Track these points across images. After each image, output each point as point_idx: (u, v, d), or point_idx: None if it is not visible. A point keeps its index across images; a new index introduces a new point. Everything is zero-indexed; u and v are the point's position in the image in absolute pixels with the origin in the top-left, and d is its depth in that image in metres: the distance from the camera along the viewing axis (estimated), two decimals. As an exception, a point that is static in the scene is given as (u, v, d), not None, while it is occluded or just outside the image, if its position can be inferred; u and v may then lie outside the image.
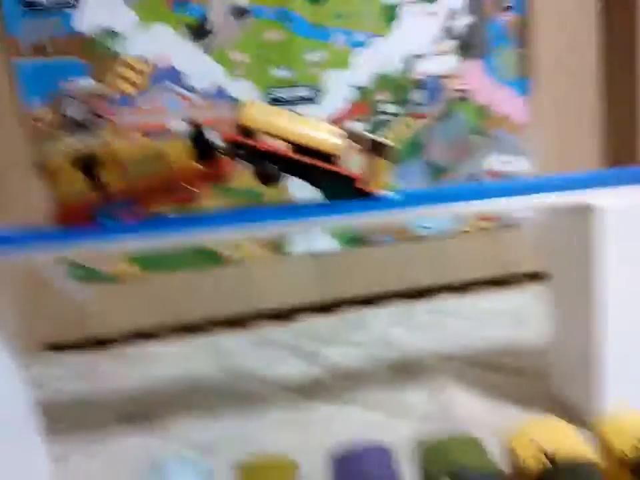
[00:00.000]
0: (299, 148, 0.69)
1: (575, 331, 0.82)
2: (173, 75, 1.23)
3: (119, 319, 1.29)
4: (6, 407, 0.73)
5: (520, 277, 1.42)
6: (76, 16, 1.16)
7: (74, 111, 1.20)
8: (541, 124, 1.37)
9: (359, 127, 0.74)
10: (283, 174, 0.70)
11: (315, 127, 0.70)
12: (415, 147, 1.34)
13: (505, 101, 1.36)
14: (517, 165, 1.39)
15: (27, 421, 0.77)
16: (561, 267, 0.85)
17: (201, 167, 0.69)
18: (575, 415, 0.78)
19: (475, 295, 1.36)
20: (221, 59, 1.23)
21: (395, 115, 1.33)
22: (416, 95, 1.32)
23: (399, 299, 1.37)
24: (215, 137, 0.69)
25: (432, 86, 1.33)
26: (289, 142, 0.68)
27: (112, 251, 0.69)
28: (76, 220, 0.67)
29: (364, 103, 1.31)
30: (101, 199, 0.67)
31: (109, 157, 0.66)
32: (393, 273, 1.39)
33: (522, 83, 1.36)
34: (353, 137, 0.70)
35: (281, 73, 1.26)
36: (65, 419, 0.94)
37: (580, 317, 0.79)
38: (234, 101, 1.25)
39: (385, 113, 1.32)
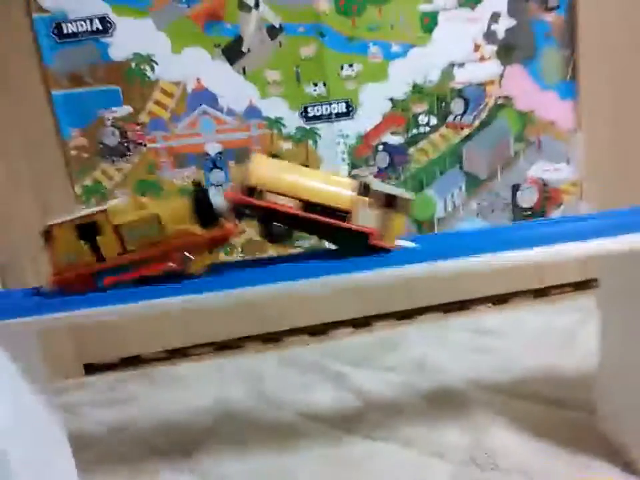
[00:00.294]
0: (310, 205, 0.65)
1: (629, 357, 0.76)
2: (207, 98, 1.21)
3: (151, 338, 1.31)
4: (38, 437, 0.74)
5: (565, 288, 1.38)
6: (110, 44, 1.16)
7: (110, 138, 1.21)
8: (588, 130, 1.30)
9: (374, 180, 0.69)
10: (293, 232, 0.68)
11: (326, 181, 0.67)
12: (454, 158, 1.30)
13: (550, 106, 1.30)
14: (562, 174, 1.34)
15: (59, 451, 0.79)
16: (613, 278, 0.78)
17: (202, 232, 0.65)
18: (628, 459, 0.75)
19: (514, 309, 1.32)
20: (255, 79, 1.21)
21: (433, 126, 1.28)
22: (455, 105, 1.28)
23: (433, 313, 1.35)
24: (219, 199, 0.66)
25: (472, 94, 1.27)
26: (298, 199, 0.65)
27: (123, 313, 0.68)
28: (76, 285, 0.66)
29: (400, 115, 1.27)
30: (100, 265, 0.65)
31: (106, 224, 0.64)
32: (425, 286, 1.36)
33: (567, 86, 1.29)
34: (367, 190, 0.66)
35: (315, 89, 1.23)
36: (96, 448, 0.96)
37: (635, 340, 0.74)
38: (268, 120, 1.24)
39: (422, 125, 1.28)
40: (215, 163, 1.25)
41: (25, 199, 1.19)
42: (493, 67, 1.27)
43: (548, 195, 1.35)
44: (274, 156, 0.68)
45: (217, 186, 1.25)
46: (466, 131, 1.30)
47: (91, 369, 1.30)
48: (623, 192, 1.35)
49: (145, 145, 1.22)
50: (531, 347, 1.14)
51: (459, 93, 1.27)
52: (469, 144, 1.30)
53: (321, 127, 1.26)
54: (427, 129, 1.28)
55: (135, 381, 1.22)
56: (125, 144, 1.21)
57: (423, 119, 1.28)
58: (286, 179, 0.65)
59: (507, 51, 1.26)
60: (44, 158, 1.19)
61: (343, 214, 0.66)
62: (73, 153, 1.20)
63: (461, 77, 1.26)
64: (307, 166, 0.69)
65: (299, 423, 0.98)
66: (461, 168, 1.31)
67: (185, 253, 0.65)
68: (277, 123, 1.24)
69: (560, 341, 1.15)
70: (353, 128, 1.26)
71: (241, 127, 1.24)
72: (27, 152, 1.18)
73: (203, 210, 0.65)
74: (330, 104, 1.24)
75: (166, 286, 0.66)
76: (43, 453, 0.75)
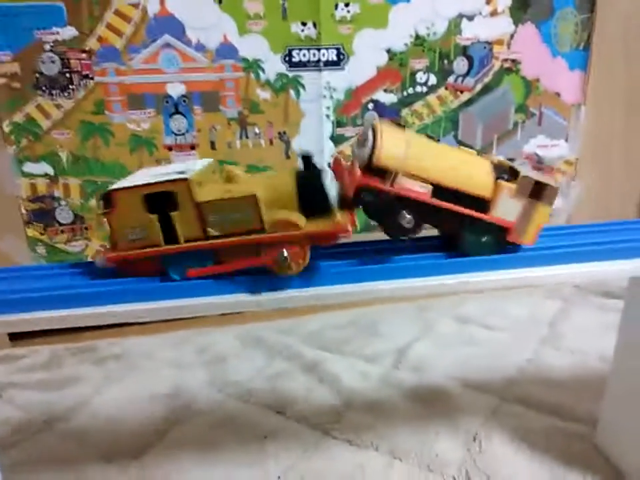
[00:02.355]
0: (441, 190, 0.53)
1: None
2: (172, 26, 1.00)
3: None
4: None
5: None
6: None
7: (49, 66, 0.98)
8: (593, 106, 1.20)
9: (520, 164, 0.56)
10: (422, 225, 0.54)
11: (463, 160, 0.54)
12: (449, 124, 1.17)
13: (558, 76, 1.18)
14: (559, 151, 1.23)
15: None
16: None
17: (308, 225, 0.50)
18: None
19: (500, 298, 1.24)
20: (232, 9, 1.01)
21: (431, 86, 1.13)
22: (458, 65, 1.13)
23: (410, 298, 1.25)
24: (332, 181, 0.52)
25: (478, 54, 1.13)
26: (429, 182, 0.52)
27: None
28: (139, 267, 0.51)
29: (396, 70, 1.11)
30: (172, 248, 0.50)
31: (186, 198, 0.49)
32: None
33: (579, 55, 1.17)
34: (511, 174, 0.55)
35: (303, 30, 1.04)
36: (24, 445, 0.80)
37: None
38: (245, 62, 1.04)
39: (420, 83, 1.13)
40: (177, 107, 1.05)
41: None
42: (503, 24, 1.12)
43: (541, 172, 1.25)
44: (399, 125, 0.53)
45: (179, 135, 1.06)
46: (466, 95, 1.16)
47: (17, 337, 1.09)
48: (618, 178, 1.27)
49: (92, 79, 1.00)
50: (522, 338, 1.06)
51: (464, 51, 1.12)
52: (467, 110, 1.17)
53: (306, 76, 1.08)
54: (425, 88, 1.13)
55: (74, 357, 1.04)
56: (67, 75, 0.99)
57: (421, 77, 1.12)
58: (420, 158, 0.51)
59: (522, 6, 1.11)
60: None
61: (483, 202, 0.53)
62: (1, 80, 0.97)
63: (468, 32, 1.11)
64: (436, 139, 0.55)
65: (268, 423, 0.86)
66: (455, 136, 1.18)
67: (283, 249, 0.50)
68: (254, 65, 1.06)
69: (544, 334, 1.08)
70: (343, 80, 1.09)
71: (211, 66, 1.04)
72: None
73: (313, 195, 0.51)
74: (319, 49, 1.06)
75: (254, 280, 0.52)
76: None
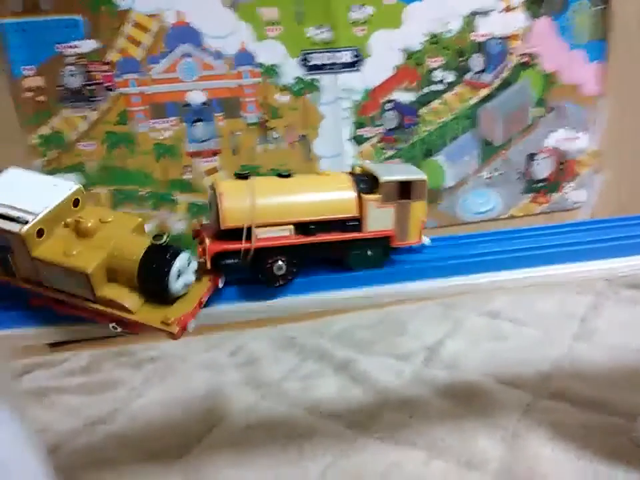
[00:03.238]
0: (304, 225, 0.50)
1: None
2: (190, 36, 1.02)
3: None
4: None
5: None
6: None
7: (71, 79, 1.00)
8: (614, 97, 1.19)
9: (378, 168, 0.53)
10: (297, 265, 0.51)
11: (319, 185, 0.51)
12: (468, 121, 1.16)
13: (577, 68, 1.17)
14: (581, 143, 1.22)
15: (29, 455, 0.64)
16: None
17: (138, 312, 0.45)
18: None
19: (529, 294, 1.22)
20: (248, 16, 1.02)
21: (449, 84, 1.13)
22: (475, 61, 1.13)
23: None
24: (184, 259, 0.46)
25: (494, 50, 1.13)
26: (294, 224, 0.49)
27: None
28: None
29: (413, 69, 1.11)
30: (11, 279, 0.48)
31: (21, 249, 0.45)
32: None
33: (597, 46, 1.16)
34: (372, 183, 0.52)
35: (318, 34, 1.05)
36: (67, 447, 0.82)
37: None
38: (262, 68, 1.05)
39: (437, 82, 1.13)
40: (198, 115, 1.06)
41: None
42: (519, 19, 1.12)
43: (563, 166, 1.24)
44: (241, 176, 0.50)
45: (201, 142, 1.07)
46: (484, 91, 1.16)
47: (56, 343, 1.10)
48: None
49: (114, 90, 1.02)
50: (553, 334, 1.04)
51: (480, 47, 1.12)
52: (486, 106, 1.16)
53: (324, 79, 1.08)
54: (442, 86, 1.14)
55: (111, 361, 1.05)
56: (90, 87, 1.01)
57: (437, 75, 1.13)
58: (269, 204, 0.48)
59: (536, 1, 1.11)
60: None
61: (354, 223, 0.51)
62: (26, 95, 0.99)
63: (483, 29, 1.11)
64: (287, 175, 0.51)
65: (304, 423, 0.85)
66: (475, 133, 1.18)
67: (114, 323, 0.46)
68: (272, 70, 1.07)
69: (576, 328, 1.06)
70: (360, 81, 1.10)
71: (230, 73, 1.05)
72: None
73: (154, 279, 0.45)
74: (335, 52, 1.07)
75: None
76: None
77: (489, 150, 1.19)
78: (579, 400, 0.86)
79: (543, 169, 1.23)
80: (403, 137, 1.15)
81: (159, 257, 0.45)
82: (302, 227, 0.49)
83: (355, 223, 0.51)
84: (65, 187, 0.48)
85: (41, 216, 0.45)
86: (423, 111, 1.14)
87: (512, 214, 1.26)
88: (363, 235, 0.51)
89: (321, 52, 1.07)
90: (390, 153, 1.16)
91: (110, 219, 0.47)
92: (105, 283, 0.45)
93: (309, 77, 1.08)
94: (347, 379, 0.94)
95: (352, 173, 0.54)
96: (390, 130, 1.14)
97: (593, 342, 1.01)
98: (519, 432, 0.80)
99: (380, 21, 1.07)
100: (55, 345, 1.08)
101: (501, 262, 0.56)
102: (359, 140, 1.13)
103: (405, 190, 0.51)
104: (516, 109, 1.18)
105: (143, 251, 0.45)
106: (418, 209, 0.53)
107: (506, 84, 1.15)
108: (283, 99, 1.08)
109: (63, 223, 0.47)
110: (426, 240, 0.56)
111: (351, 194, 0.51)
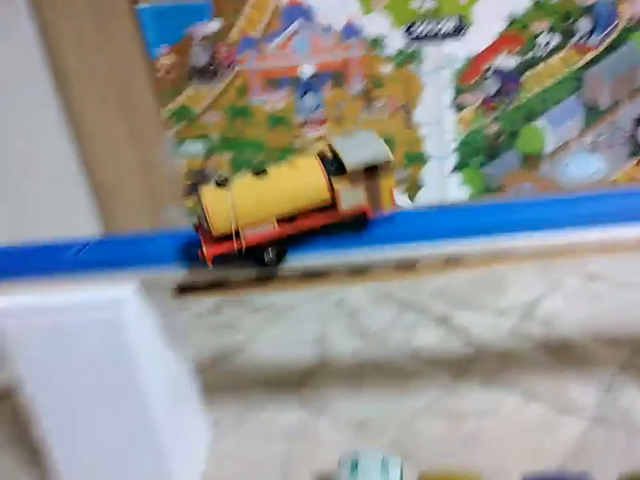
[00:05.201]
0: (284, 217, 0.57)
1: None
2: (302, 13, 1.10)
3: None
4: (174, 371, 0.74)
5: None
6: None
7: (199, 57, 1.12)
8: None
9: (344, 148, 0.58)
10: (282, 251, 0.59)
11: (291, 179, 0.56)
12: (572, 85, 1.16)
13: (692, 27, 1.12)
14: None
15: (188, 383, 0.80)
16: None
17: None
18: None
19: (629, 255, 1.21)
20: (356, -9, 1.09)
21: (553, 48, 1.14)
22: (581, 24, 1.12)
23: (537, 256, 1.26)
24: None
25: (602, 12, 1.11)
26: (272, 219, 0.56)
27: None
28: None
29: (516, 34, 1.13)
30: None
31: None
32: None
33: None
34: (339, 168, 0.56)
35: (422, 4, 1.10)
36: (202, 377, 0.93)
37: None
38: (368, 40, 1.12)
39: (542, 46, 1.13)
40: (307, 87, 1.15)
41: (112, 121, 1.14)
42: (630, -22, 1.09)
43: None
44: (222, 184, 0.56)
45: (310, 112, 1.17)
46: (590, 55, 1.14)
47: (183, 289, 1.26)
48: None
49: (235, 66, 1.13)
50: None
51: (587, 10, 1.11)
52: (592, 69, 1.15)
53: (426, 48, 1.13)
54: (546, 51, 1.14)
55: (231, 307, 1.19)
56: (214, 64, 1.13)
57: (542, 40, 1.13)
58: (249, 206, 0.55)
59: (650, -43, 1.08)
60: (130, 78, 1.12)
61: (329, 206, 0.57)
62: (160, 73, 1.13)
63: (592, -10, 1.10)
64: (262, 171, 0.57)
65: (406, 366, 0.94)
66: (579, 97, 1.17)
67: None
68: (377, 42, 1.13)
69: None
70: (462, 49, 1.13)
71: (338, 46, 1.13)
72: (113, 72, 1.12)
73: None
74: (439, 21, 1.11)
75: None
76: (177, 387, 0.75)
77: (593, 114, 1.19)
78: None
79: (652, 132, 1.20)
80: (504, 102, 1.17)
81: None
82: (284, 219, 0.57)
83: (329, 205, 0.57)
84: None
85: None
86: (525, 76, 1.15)
87: (615, 179, 1.24)
88: (338, 214, 0.57)
89: (424, 22, 1.11)
90: (490, 118, 1.18)
91: None
92: None
93: (412, 47, 1.13)
94: (446, 331, 1.01)
95: (322, 157, 0.59)
96: (491, 96, 1.17)
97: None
98: (614, 385, 0.84)
99: (484, -12, 1.09)
100: (182, 291, 1.23)
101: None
102: (459, 107, 1.17)
103: (371, 171, 0.56)
104: (624, 72, 1.15)
105: None
106: (387, 181, 0.57)
107: (613, 47, 1.13)
108: (387, 69, 1.14)
109: None
110: (403, 201, 0.62)
111: (321, 181, 0.56)
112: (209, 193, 0.55)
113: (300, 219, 0.57)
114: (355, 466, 0.64)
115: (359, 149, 0.57)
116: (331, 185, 0.56)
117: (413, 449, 0.77)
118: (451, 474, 0.63)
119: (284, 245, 0.59)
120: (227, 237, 0.56)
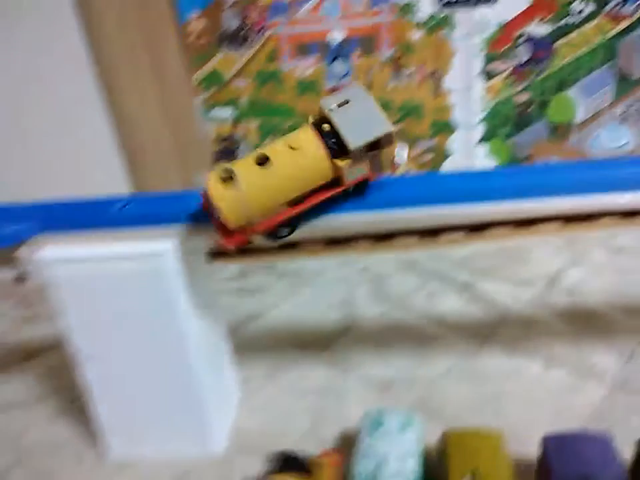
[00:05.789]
0: (294, 199, 0.57)
1: None
2: (334, -23, 1.09)
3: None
4: (209, 328, 0.77)
5: None
6: None
7: (229, 22, 1.12)
8: None
9: (343, 124, 0.55)
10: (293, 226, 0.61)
11: (294, 162, 0.55)
12: (605, 55, 1.14)
13: None
14: None
15: (221, 341, 0.83)
16: None
17: None
18: None
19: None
20: (388, -45, 1.08)
21: (587, 16, 1.12)
22: (618, -10, 1.10)
23: (561, 226, 1.26)
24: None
25: (640, -22, 1.09)
26: (281, 204, 0.57)
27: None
28: None
29: (550, 1, 1.11)
30: None
31: None
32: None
33: None
34: (341, 149, 0.55)
35: (455, -31, 1.08)
36: (232, 337, 0.96)
37: None
38: (398, 5, 1.11)
39: (575, 13, 1.11)
40: (337, 53, 1.15)
41: (143, 85, 1.16)
42: (671, -57, 1.06)
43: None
44: (225, 178, 0.55)
45: (339, 79, 1.17)
46: (625, 23, 1.12)
47: (214, 254, 1.29)
48: None
49: (265, 32, 1.13)
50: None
51: (624, -25, 1.09)
52: (626, 38, 1.13)
53: (458, 14, 1.12)
54: (580, 18, 1.12)
55: (259, 272, 1.22)
56: (245, 29, 1.13)
57: (575, 7, 1.11)
58: (258, 197, 0.55)
59: None
60: (161, 43, 1.13)
61: (334, 179, 0.57)
62: (191, 38, 1.13)
63: (630, -45, 1.07)
64: (265, 158, 0.56)
65: (430, 331, 0.96)
66: (612, 66, 1.16)
67: None
68: (407, 7, 1.12)
69: None
70: (495, 16, 1.12)
71: (368, 11, 1.12)
72: (145, 37, 1.12)
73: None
74: (472, -14, 1.09)
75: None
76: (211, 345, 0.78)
77: (625, 84, 1.17)
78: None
79: (685, 103, 1.18)
80: (535, 70, 1.16)
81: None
82: (293, 200, 0.57)
83: (336, 180, 0.57)
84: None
85: None
86: (557, 44, 1.14)
87: (642, 149, 1.23)
88: (343, 187, 0.58)
89: (456, -13, 1.10)
90: (520, 87, 1.17)
91: None
92: None
93: (444, 13, 1.12)
94: (469, 299, 1.03)
95: (318, 127, 0.56)
96: (522, 65, 1.15)
97: None
98: (636, 353, 0.85)
99: (519, -47, 1.07)
100: (214, 256, 1.27)
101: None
102: (489, 74, 1.16)
103: (374, 145, 0.55)
104: (660, 40, 1.13)
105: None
106: (388, 150, 0.57)
107: (650, 14, 1.11)
108: (417, 35, 1.13)
109: None
110: (401, 158, 0.60)
111: (326, 163, 0.55)
112: (217, 190, 0.55)
113: (307, 198, 0.58)
114: (377, 422, 0.68)
115: (358, 123, 0.54)
116: (334, 165, 0.56)
117: (437, 409, 0.80)
118: (473, 432, 0.66)
119: (294, 220, 0.61)
120: (241, 226, 0.58)
